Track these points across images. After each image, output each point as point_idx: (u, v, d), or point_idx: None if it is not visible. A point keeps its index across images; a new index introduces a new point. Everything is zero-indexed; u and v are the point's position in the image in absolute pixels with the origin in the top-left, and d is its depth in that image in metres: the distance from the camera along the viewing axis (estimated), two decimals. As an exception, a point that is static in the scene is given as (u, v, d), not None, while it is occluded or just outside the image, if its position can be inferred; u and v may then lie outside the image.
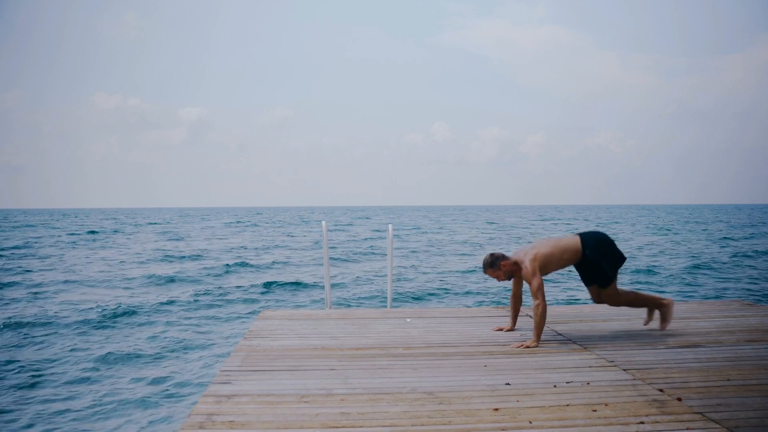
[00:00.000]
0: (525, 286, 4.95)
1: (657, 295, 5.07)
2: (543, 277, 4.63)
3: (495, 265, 4.66)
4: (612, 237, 4.89)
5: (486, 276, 4.81)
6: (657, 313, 5.07)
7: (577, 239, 4.70)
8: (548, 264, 4.61)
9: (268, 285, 15.89)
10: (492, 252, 4.76)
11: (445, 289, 15.30)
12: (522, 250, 4.70)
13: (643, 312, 5.24)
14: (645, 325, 5.08)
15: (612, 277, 4.74)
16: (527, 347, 4.40)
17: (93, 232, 42.51)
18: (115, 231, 44.36)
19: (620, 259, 4.78)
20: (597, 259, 4.66)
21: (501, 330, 5.02)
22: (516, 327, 5.04)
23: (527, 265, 4.54)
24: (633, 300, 4.95)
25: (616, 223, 54.21)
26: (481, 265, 4.79)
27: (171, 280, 17.30)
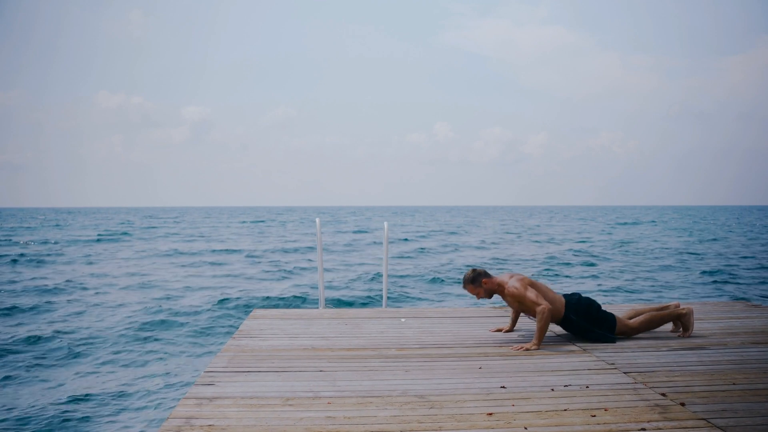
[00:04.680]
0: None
1: (672, 303, 4.81)
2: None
3: (476, 281, 4.52)
4: None
5: (465, 291, 4.65)
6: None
7: (561, 298, 4.56)
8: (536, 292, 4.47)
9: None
10: (474, 268, 4.62)
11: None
12: (507, 274, 4.59)
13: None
14: (673, 332, 4.81)
15: (610, 337, 4.50)
16: (527, 350, 4.25)
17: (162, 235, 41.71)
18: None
19: (610, 321, 4.53)
20: (583, 325, 4.49)
21: (500, 331, 4.87)
22: (515, 328, 4.89)
23: (516, 285, 4.41)
24: (650, 323, 4.66)
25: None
26: (461, 279, 4.63)
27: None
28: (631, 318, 4.67)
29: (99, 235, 38.70)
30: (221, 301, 13.03)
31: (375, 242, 31.80)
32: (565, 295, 4.62)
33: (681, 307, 4.74)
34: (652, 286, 16.28)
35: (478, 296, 4.58)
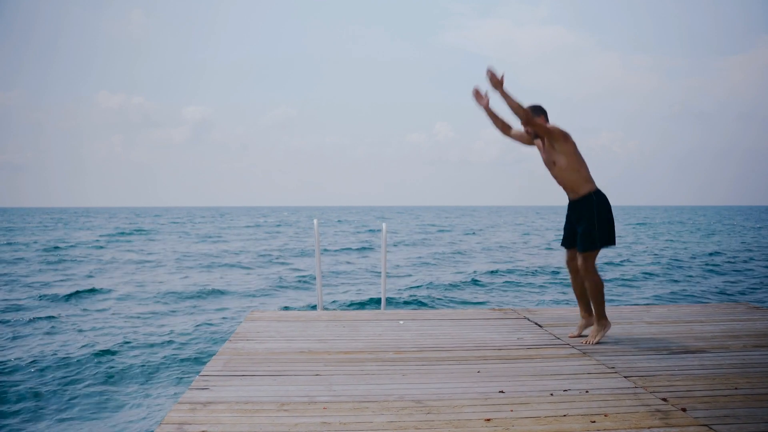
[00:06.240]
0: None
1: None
2: None
3: (534, 111, 4.36)
4: None
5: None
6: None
7: (593, 183, 4.42)
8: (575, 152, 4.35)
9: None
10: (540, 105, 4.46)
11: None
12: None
13: (646, 315, 5.03)
14: (578, 333, 4.68)
15: (596, 239, 4.31)
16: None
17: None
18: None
19: (612, 233, 4.37)
20: (597, 210, 4.32)
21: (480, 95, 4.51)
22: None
23: (558, 128, 4.30)
24: (597, 286, 4.41)
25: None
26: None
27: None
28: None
29: (110, 234, 38.73)
30: (245, 307, 12.77)
31: (399, 242, 31.46)
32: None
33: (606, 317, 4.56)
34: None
35: (522, 123, 4.40)
